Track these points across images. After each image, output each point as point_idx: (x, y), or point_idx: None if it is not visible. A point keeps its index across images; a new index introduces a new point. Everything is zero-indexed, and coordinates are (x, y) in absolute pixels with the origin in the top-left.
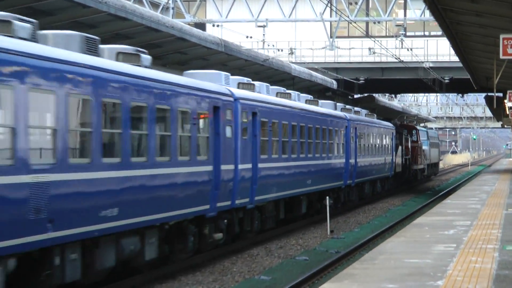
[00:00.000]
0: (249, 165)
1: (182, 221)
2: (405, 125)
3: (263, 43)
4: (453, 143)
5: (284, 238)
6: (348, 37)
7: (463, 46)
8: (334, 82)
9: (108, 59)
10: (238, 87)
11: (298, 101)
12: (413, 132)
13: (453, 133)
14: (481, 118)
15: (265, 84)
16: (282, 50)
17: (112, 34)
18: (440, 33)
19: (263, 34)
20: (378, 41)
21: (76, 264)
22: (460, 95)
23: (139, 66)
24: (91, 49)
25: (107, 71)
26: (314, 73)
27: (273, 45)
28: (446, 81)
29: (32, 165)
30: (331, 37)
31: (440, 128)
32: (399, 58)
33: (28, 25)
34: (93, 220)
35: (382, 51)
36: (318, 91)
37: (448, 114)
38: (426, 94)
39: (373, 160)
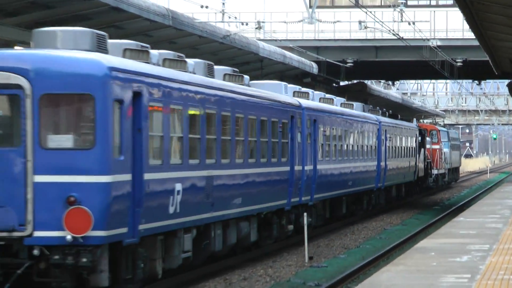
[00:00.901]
0: (311, 167)
1: (267, 212)
2: (424, 125)
3: (223, 14)
4: (467, 144)
5: (250, 267)
6: (333, 7)
7: (479, 18)
8: (314, 65)
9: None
10: (294, 95)
11: (336, 105)
12: (433, 132)
13: (467, 131)
14: (503, 112)
15: (315, 92)
16: (247, 24)
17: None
18: (450, 2)
19: (223, 4)
20: (371, 12)
21: (220, 238)
22: (476, 82)
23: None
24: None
25: (223, 89)
26: (288, 54)
27: (236, 18)
28: (459, 64)
29: (206, 164)
30: (310, 7)
31: (451, 125)
32: (398, 35)
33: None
34: (230, 206)
35: (377, 25)
36: (293, 77)
37: (461, 106)
38: (433, 81)
39: (400, 163)
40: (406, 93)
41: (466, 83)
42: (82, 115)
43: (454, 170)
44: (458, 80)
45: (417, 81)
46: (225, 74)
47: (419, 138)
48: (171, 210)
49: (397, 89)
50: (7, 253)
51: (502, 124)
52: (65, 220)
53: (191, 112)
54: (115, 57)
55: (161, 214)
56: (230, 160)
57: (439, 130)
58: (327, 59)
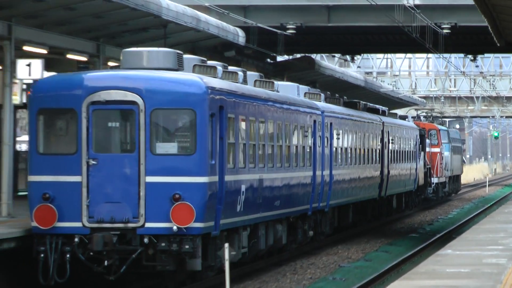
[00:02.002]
0: (327, 172)
1: (292, 216)
2: (421, 123)
3: None
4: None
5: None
6: None
7: None
8: (241, 32)
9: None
10: (305, 97)
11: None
12: (432, 133)
13: (457, 126)
14: (508, 99)
15: (322, 92)
16: None
17: None
18: None
19: None
20: None
21: (263, 238)
22: (469, 57)
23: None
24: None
25: (269, 99)
26: (204, 17)
27: None
28: (445, 31)
29: (259, 168)
30: None
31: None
32: None
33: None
34: (272, 208)
35: None
36: (210, 50)
37: (448, 92)
38: (409, 56)
39: (401, 169)
40: (371, 73)
41: (455, 58)
42: (185, 126)
43: (455, 179)
44: (445, 55)
45: (386, 55)
46: (255, 81)
47: (419, 139)
48: (238, 208)
49: (358, 67)
50: (121, 241)
51: (506, 117)
52: (172, 213)
53: (250, 121)
54: (208, 77)
55: (233, 212)
56: (273, 165)
57: (439, 130)
58: (259, 24)
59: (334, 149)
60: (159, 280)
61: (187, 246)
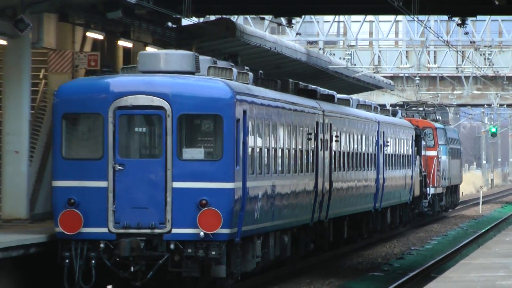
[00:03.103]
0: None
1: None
2: (414, 120)
3: None
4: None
5: None
6: None
7: None
8: None
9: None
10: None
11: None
12: (428, 132)
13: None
14: (510, 79)
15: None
16: None
17: None
18: None
19: None
20: None
21: (273, 248)
22: (456, 20)
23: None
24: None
25: (296, 104)
26: None
27: None
28: None
29: (271, 174)
30: None
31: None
32: None
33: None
34: (282, 216)
35: None
36: (87, 10)
37: (425, 69)
38: (370, 19)
39: (396, 176)
40: (317, 43)
41: (436, 22)
42: (211, 131)
43: (453, 189)
44: (421, 17)
45: (337, 18)
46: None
47: (414, 140)
48: (255, 215)
49: (298, 34)
50: (148, 247)
51: (508, 106)
52: (199, 219)
53: (266, 125)
54: (232, 81)
55: (251, 219)
56: (283, 171)
57: (436, 128)
58: None
59: (333, 153)
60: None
61: (213, 253)
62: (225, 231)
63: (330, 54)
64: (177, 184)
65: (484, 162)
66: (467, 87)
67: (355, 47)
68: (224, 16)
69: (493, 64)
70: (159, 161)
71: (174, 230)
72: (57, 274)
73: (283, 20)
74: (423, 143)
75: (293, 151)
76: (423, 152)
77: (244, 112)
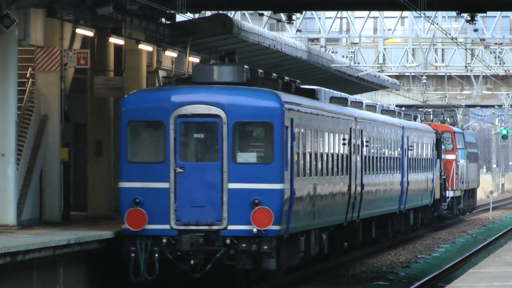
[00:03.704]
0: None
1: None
2: (433, 125)
3: None
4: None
5: None
6: None
7: None
8: None
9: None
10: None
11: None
12: (446, 136)
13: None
14: None
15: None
16: None
17: None
18: None
19: None
20: None
21: (313, 245)
22: (464, 16)
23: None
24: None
25: (334, 112)
26: None
27: None
28: None
29: (312, 176)
30: None
31: (417, 107)
32: None
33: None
34: (322, 215)
35: None
36: (77, 5)
37: (432, 68)
38: (374, 15)
39: (419, 179)
40: (318, 40)
41: (444, 18)
42: (263, 137)
43: (471, 193)
44: (428, 13)
45: (339, 14)
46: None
47: (435, 145)
48: (300, 214)
49: (299, 30)
50: (206, 242)
51: None
52: (252, 217)
53: (312, 132)
54: (280, 92)
55: (297, 217)
56: (323, 172)
57: (454, 132)
58: None
59: (364, 157)
60: (232, 279)
61: (265, 247)
62: (276, 227)
63: (332, 52)
64: (232, 185)
65: (494, 166)
66: (476, 87)
67: (358, 44)
68: (220, 11)
69: (504, 63)
70: (216, 164)
71: (230, 227)
72: (109, 268)
73: (282, 16)
74: (442, 147)
75: (331, 155)
76: (445, 156)
77: (291, 120)
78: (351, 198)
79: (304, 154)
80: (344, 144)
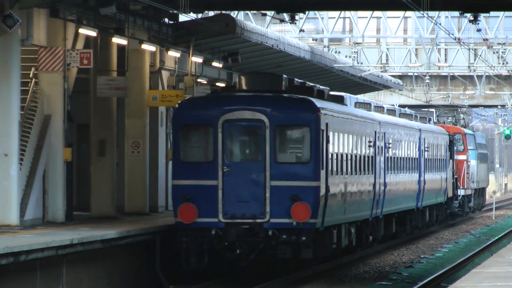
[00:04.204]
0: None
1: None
2: (445, 127)
3: None
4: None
5: None
6: None
7: None
8: None
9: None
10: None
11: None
12: (458, 137)
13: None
14: None
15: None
16: None
17: None
18: None
19: None
20: None
21: (343, 238)
22: (467, 16)
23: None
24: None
25: (363, 117)
26: None
27: None
28: None
29: (343, 173)
30: None
31: (420, 107)
32: None
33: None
34: (350, 210)
35: None
36: (80, 5)
37: (435, 68)
38: (377, 15)
39: (434, 179)
40: (321, 40)
41: (447, 18)
42: (301, 140)
43: (481, 192)
44: (431, 13)
45: (342, 14)
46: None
47: (448, 146)
48: (333, 209)
49: (302, 30)
50: (250, 233)
51: None
52: (292, 211)
53: (343, 134)
54: (316, 99)
55: (330, 212)
56: (352, 171)
57: (465, 134)
58: None
59: (387, 157)
60: (272, 267)
61: (303, 238)
62: (313, 220)
63: (335, 52)
64: (274, 183)
65: (497, 166)
66: (479, 87)
67: (361, 44)
68: (223, 11)
69: (507, 63)
70: (259, 163)
71: (272, 220)
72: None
73: (285, 16)
74: (454, 148)
75: (359, 156)
76: (457, 157)
77: (326, 124)
78: (375, 196)
79: (337, 155)
80: (370, 146)
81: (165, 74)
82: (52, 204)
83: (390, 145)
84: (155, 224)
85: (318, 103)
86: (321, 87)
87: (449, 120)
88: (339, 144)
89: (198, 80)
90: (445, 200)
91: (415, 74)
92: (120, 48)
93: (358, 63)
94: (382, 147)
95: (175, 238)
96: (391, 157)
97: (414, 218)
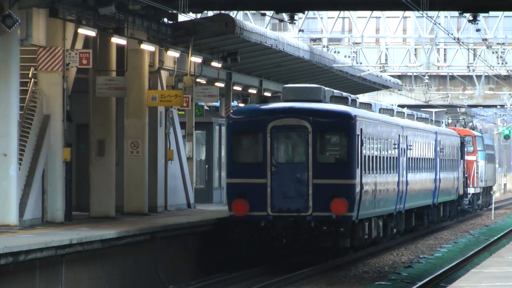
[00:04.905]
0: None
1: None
2: (456, 129)
3: None
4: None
5: None
6: None
7: None
8: None
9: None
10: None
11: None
12: (468, 139)
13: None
14: None
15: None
16: None
17: None
18: None
19: None
20: None
21: (373, 229)
22: (467, 16)
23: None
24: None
25: (387, 122)
26: None
27: None
28: None
29: (374, 173)
30: None
31: (420, 107)
32: None
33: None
34: (379, 205)
35: None
36: (79, 5)
37: (434, 68)
38: (377, 15)
39: (448, 177)
40: (320, 40)
41: (446, 18)
42: (339, 143)
43: (488, 190)
44: (430, 13)
45: (341, 14)
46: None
47: (459, 147)
48: (366, 204)
49: (301, 30)
50: (295, 225)
51: None
52: (331, 205)
53: (374, 138)
54: (351, 107)
55: (363, 207)
56: (380, 170)
57: (475, 136)
58: None
59: (408, 158)
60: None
61: (342, 229)
62: (350, 214)
63: (335, 52)
64: (315, 181)
65: (496, 166)
66: (478, 87)
67: (360, 44)
68: (222, 11)
69: (506, 63)
70: (303, 164)
71: (314, 214)
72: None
73: (285, 16)
74: (465, 149)
75: (386, 157)
76: (467, 157)
77: (361, 129)
78: (399, 193)
79: (368, 156)
80: (394, 148)
81: (164, 74)
82: (51, 204)
83: (411, 147)
84: (155, 224)
85: (353, 111)
86: (352, 96)
87: (457, 122)
88: (370, 146)
89: (197, 80)
90: (456, 197)
91: (414, 74)
92: (119, 48)
93: (357, 63)
94: (404, 148)
95: (228, 229)
96: (411, 158)
97: (431, 213)
